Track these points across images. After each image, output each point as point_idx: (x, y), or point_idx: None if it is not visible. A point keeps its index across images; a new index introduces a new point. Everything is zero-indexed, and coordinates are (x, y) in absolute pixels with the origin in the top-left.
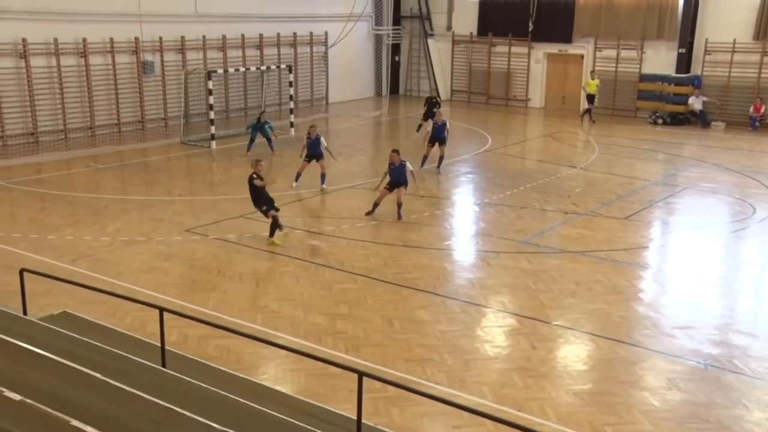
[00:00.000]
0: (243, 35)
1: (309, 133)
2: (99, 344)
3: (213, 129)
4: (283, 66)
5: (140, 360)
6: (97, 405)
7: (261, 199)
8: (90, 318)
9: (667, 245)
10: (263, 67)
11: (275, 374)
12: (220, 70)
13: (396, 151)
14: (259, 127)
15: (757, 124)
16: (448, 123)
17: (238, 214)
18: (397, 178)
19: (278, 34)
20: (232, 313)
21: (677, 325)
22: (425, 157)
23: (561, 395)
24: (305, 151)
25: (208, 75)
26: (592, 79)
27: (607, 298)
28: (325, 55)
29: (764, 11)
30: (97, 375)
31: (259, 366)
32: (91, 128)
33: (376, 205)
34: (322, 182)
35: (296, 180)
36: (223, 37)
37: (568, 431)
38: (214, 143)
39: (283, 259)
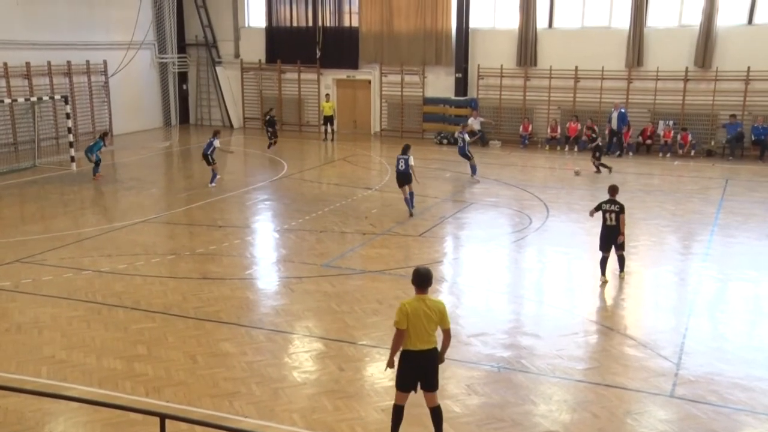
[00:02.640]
0: (6, 63)
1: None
2: None
3: None
4: (57, 97)
5: None
6: None
7: None
8: None
9: (460, 258)
10: (33, 98)
11: (65, 430)
12: None
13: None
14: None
15: (527, 141)
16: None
17: (12, 259)
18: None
19: (49, 63)
20: (9, 369)
21: (472, 333)
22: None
23: (370, 413)
24: None
25: None
26: (327, 101)
27: None
28: (106, 85)
29: (522, 40)
30: None
31: (45, 423)
32: None
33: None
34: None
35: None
36: None
37: None
38: None
39: (70, 304)
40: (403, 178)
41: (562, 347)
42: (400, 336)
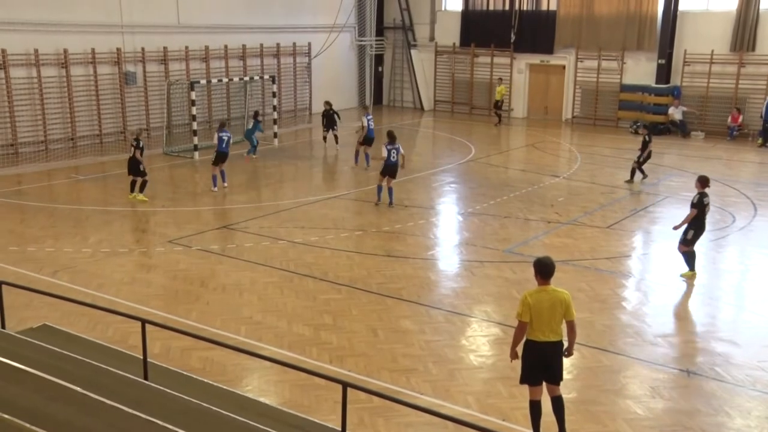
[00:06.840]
0: (226, 46)
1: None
2: (80, 357)
3: (196, 140)
4: (266, 76)
5: (121, 373)
6: (78, 419)
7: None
8: (71, 331)
9: (650, 254)
10: (246, 78)
11: (259, 386)
12: (203, 81)
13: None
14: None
15: (735, 133)
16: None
17: (220, 225)
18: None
19: (261, 45)
20: (215, 325)
21: (660, 334)
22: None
23: (545, 404)
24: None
25: (191, 86)
26: (499, 85)
27: (590, 307)
28: (309, 66)
29: (740, 23)
30: (78, 389)
31: (243, 377)
32: (72, 139)
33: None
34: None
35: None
36: (206, 47)
37: None
38: (197, 154)
39: (266, 270)
40: (393, 169)
41: (765, 359)
42: (521, 328)
